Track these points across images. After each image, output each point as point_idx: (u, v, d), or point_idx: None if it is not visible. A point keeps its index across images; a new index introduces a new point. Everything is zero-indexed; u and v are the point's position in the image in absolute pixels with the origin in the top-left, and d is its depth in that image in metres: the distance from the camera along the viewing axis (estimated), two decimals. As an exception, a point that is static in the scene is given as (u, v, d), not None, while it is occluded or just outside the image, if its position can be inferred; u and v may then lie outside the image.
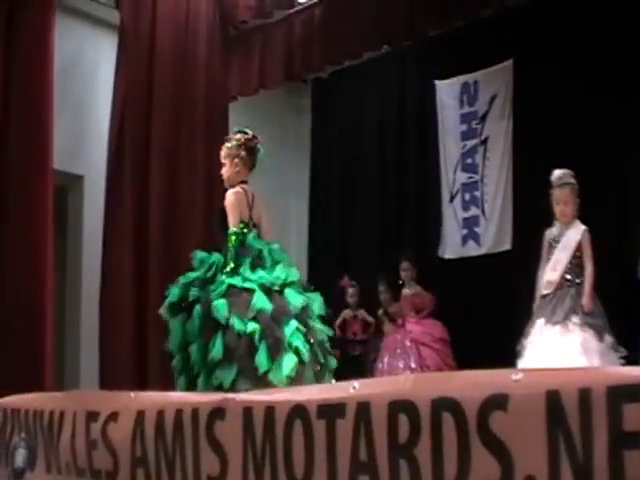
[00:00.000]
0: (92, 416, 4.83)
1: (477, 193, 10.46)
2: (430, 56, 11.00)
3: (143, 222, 9.47)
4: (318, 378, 5.74)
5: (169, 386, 5.95)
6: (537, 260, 7.26)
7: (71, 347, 9.69)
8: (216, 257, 5.99)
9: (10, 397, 5.79)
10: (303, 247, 12.45)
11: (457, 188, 10.67)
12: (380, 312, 10.32)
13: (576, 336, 6.70)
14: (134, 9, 9.67)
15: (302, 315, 5.83)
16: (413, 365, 9.59)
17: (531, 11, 9.77)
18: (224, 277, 5.79)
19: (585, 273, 6.95)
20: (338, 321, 10.54)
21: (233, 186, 6.29)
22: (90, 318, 9.25)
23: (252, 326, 5.53)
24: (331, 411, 3.42)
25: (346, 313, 10.64)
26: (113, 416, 4.68)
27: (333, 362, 6.02)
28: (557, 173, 7.16)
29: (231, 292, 5.69)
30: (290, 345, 5.60)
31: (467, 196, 10.56)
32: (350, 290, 10.64)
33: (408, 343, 9.77)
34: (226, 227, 6.08)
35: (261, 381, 5.40)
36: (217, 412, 3.98)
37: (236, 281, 5.75)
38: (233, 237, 5.98)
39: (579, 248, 7.03)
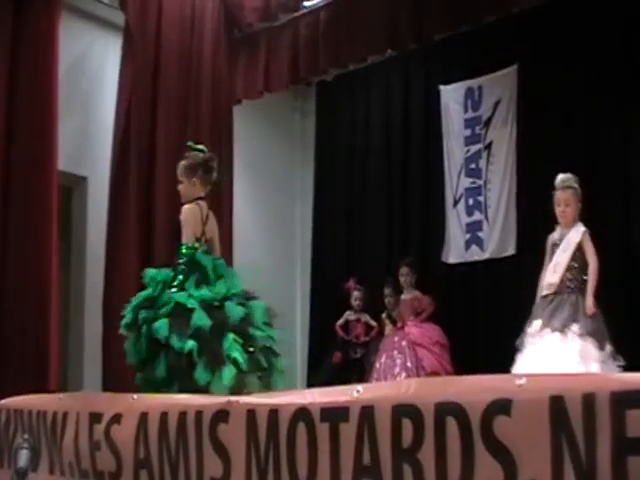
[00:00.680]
0: (95, 417, 4.85)
1: (481, 198, 10.45)
2: (435, 61, 11.02)
3: (147, 224, 9.47)
4: (264, 381, 6.00)
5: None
6: (541, 265, 7.27)
7: (74, 348, 9.70)
8: (165, 274, 6.16)
9: (13, 398, 5.80)
10: (307, 250, 12.46)
11: (461, 193, 10.66)
12: (384, 315, 10.34)
13: (575, 344, 6.69)
14: (139, 10, 9.68)
15: (242, 325, 6.05)
16: (409, 365, 9.60)
17: (535, 16, 9.76)
18: (172, 294, 5.99)
19: (588, 271, 6.94)
20: (340, 322, 10.57)
21: (190, 202, 6.48)
22: (94, 319, 9.25)
23: (190, 344, 5.69)
24: (335, 414, 3.43)
25: (349, 314, 10.64)
26: (116, 418, 4.70)
27: (281, 363, 6.23)
28: (561, 176, 7.20)
29: (175, 311, 5.85)
30: (229, 357, 5.78)
31: (471, 201, 10.56)
32: (355, 293, 10.64)
33: (405, 344, 9.79)
34: (179, 241, 6.34)
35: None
36: (221, 414, 3.99)
37: (182, 299, 5.92)
38: (184, 252, 6.25)
39: (580, 250, 7.03)
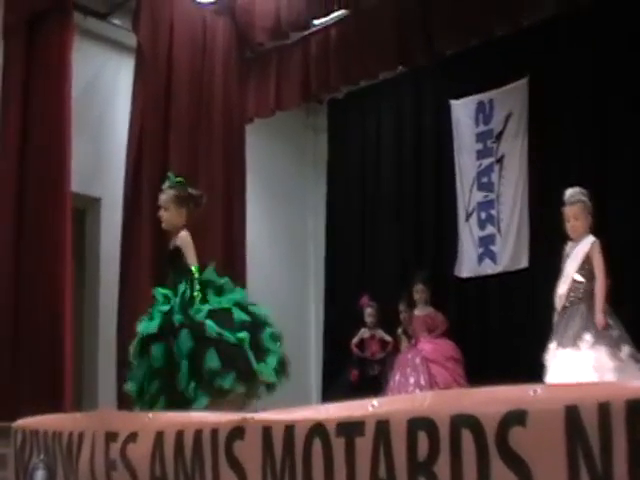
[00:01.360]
0: (111, 437, 4.83)
1: (493, 211, 10.46)
2: (445, 75, 11.03)
3: (161, 244, 9.48)
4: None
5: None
6: (554, 278, 7.24)
7: (89, 368, 9.72)
8: (183, 287, 6.50)
9: (29, 418, 5.80)
10: (320, 267, 12.47)
11: (473, 207, 10.67)
12: (399, 331, 10.32)
13: (588, 356, 6.66)
14: (151, 31, 9.74)
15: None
16: (423, 382, 9.57)
17: (545, 29, 9.79)
18: (197, 304, 6.41)
19: (595, 285, 6.91)
20: (355, 340, 10.56)
21: (176, 229, 6.77)
22: (108, 340, 9.27)
23: (243, 334, 6.24)
24: (350, 429, 3.42)
25: (363, 332, 10.63)
26: (132, 436, 4.68)
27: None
28: (568, 191, 7.17)
29: (212, 314, 6.32)
30: (268, 349, 6.43)
31: (483, 214, 10.56)
32: (368, 309, 10.62)
33: (418, 361, 9.77)
34: (177, 265, 6.67)
35: (255, 380, 6.31)
36: (236, 432, 3.98)
37: (215, 302, 6.49)
38: (196, 271, 6.58)
39: (588, 260, 6.99)
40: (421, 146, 11.48)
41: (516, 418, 2.86)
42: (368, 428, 3.35)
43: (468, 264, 10.64)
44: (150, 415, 4.81)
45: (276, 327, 6.62)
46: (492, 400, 3.02)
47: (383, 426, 3.29)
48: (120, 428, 4.82)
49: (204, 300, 6.44)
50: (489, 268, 10.42)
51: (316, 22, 10.19)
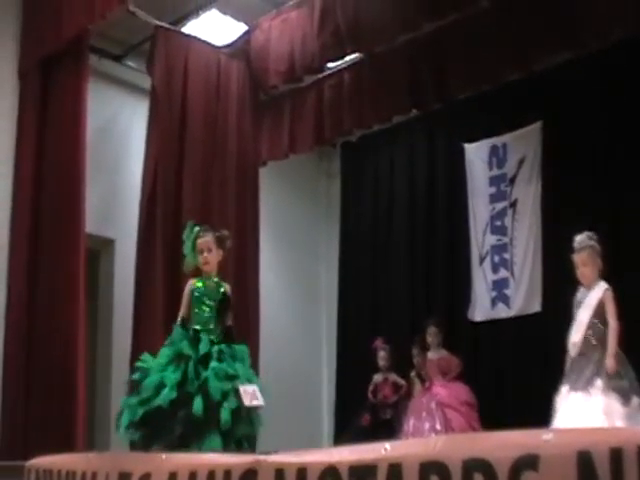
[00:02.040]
0: (124, 477, 4.83)
1: (506, 255, 10.46)
2: (458, 119, 11.07)
3: (173, 286, 9.49)
4: None
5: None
6: (567, 322, 7.22)
7: (102, 409, 9.71)
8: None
9: (42, 458, 5.80)
10: (333, 311, 12.46)
11: (486, 250, 10.68)
12: (412, 374, 10.27)
13: (598, 401, 6.64)
14: (166, 74, 9.78)
15: None
16: (438, 427, 9.52)
17: (558, 74, 9.82)
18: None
19: (608, 332, 6.89)
20: (370, 387, 10.50)
21: (213, 272, 6.57)
22: (121, 381, 9.24)
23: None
24: (363, 472, 3.41)
25: (377, 378, 10.58)
26: (145, 477, 4.68)
27: None
28: (577, 238, 7.15)
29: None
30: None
31: (496, 258, 10.57)
32: (381, 353, 10.57)
33: (433, 406, 9.71)
34: (221, 315, 6.47)
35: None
36: (249, 474, 3.97)
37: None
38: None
39: (601, 307, 6.98)
40: (434, 190, 11.51)
41: (528, 463, 2.86)
42: (380, 472, 3.34)
43: (481, 308, 10.63)
44: (163, 456, 4.80)
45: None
46: (504, 444, 3.02)
47: (395, 470, 3.29)
48: (133, 469, 4.82)
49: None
50: (502, 312, 10.40)
51: (330, 65, 10.25)
